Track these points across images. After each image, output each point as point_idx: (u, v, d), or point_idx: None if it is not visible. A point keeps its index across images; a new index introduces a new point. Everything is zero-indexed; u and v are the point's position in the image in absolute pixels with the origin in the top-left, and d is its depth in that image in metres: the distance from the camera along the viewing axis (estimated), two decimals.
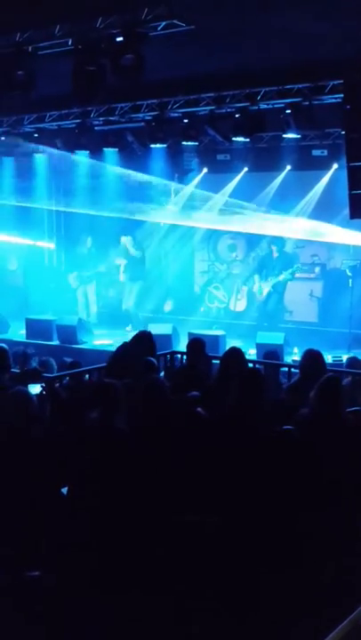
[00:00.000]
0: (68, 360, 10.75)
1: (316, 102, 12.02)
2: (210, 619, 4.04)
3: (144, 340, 8.82)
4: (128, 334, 13.65)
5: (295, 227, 16.05)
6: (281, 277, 15.37)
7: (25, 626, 4.11)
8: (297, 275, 16.56)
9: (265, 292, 15.48)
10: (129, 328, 15.85)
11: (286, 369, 9.93)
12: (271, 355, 10.71)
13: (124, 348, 8.65)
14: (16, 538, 4.93)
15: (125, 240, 16.64)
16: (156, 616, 4.27)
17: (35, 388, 7.34)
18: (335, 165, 14.93)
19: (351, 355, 11.98)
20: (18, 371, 8.79)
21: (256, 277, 15.94)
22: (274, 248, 15.65)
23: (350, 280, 14.52)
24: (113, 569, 4.82)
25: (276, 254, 15.58)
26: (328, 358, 11.79)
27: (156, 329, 13.83)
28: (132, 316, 16.37)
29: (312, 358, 7.78)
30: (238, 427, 6.03)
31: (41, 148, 16.02)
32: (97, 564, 4.91)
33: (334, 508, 4.70)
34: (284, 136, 13.25)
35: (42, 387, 7.49)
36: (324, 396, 6.13)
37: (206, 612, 4.12)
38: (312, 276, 16.80)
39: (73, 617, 4.38)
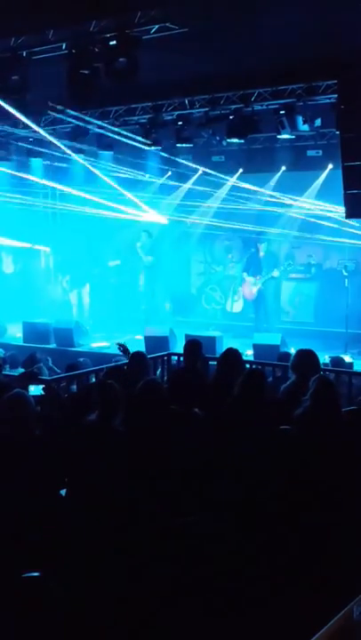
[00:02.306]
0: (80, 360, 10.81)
1: (310, 102, 12.07)
2: (210, 618, 4.07)
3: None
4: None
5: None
6: (275, 274, 15.39)
7: (23, 628, 4.12)
8: (293, 275, 16.61)
9: (254, 290, 15.50)
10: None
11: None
12: (283, 357, 10.77)
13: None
14: (15, 539, 4.95)
15: (138, 246, 16.84)
16: (157, 617, 4.29)
17: (34, 390, 7.37)
18: (330, 165, 14.96)
19: (336, 355, 12.07)
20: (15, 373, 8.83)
21: (245, 275, 15.97)
22: (261, 247, 15.65)
23: (346, 280, 14.54)
24: (112, 569, 4.84)
25: (262, 254, 15.59)
26: (325, 358, 11.84)
27: (153, 331, 13.90)
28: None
29: (305, 357, 7.80)
30: (236, 427, 6.06)
31: (36, 151, 15.99)
32: (96, 564, 4.93)
33: (333, 507, 4.73)
34: (279, 137, 13.27)
35: (43, 389, 7.51)
36: (318, 396, 6.16)
37: (207, 611, 4.14)
38: (308, 276, 16.85)
39: (72, 618, 4.39)
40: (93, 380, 9.34)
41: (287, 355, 11.08)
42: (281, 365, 9.99)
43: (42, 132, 14.16)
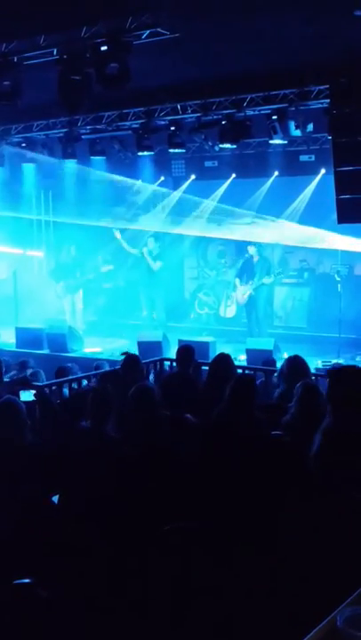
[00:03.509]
0: (68, 365, 10.78)
1: (302, 107, 12.09)
2: (205, 622, 4.05)
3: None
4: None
5: (285, 232, 16.20)
6: (266, 281, 15.36)
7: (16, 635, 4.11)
8: (286, 280, 16.61)
9: (247, 294, 15.46)
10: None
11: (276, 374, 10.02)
12: (269, 362, 10.79)
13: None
14: (6, 546, 4.93)
15: (145, 251, 16.71)
16: (150, 624, 4.28)
17: (26, 396, 7.36)
18: (323, 170, 15.00)
19: (337, 362, 12.06)
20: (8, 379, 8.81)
21: (237, 281, 15.95)
22: (252, 250, 15.61)
23: (339, 285, 14.55)
24: (105, 576, 4.82)
25: (256, 258, 15.55)
26: (318, 363, 11.85)
27: (146, 336, 13.89)
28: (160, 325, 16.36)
29: (293, 364, 7.81)
30: (228, 432, 6.05)
31: (29, 156, 15.99)
32: (89, 571, 4.92)
33: (322, 513, 4.71)
34: (271, 142, 13.29)
35: (34, 394, 7.50)
36: (302, 402, 6.17)
37: (201, 615, 4.13)
38: (301, 281, 16.87)
39: (65, 626, 4.38)
40: (85, 382, 9.33)
41: (272, 360, 11.13)
42: (272, 370, 10.02)
43: None
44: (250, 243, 15.86)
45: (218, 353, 8.79)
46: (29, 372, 10.10)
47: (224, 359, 8.25)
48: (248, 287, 15.39)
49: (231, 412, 6.40)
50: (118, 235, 16.84)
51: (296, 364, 7.79)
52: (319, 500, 4.65)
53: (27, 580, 4.16)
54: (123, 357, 8.93)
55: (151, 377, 10.58)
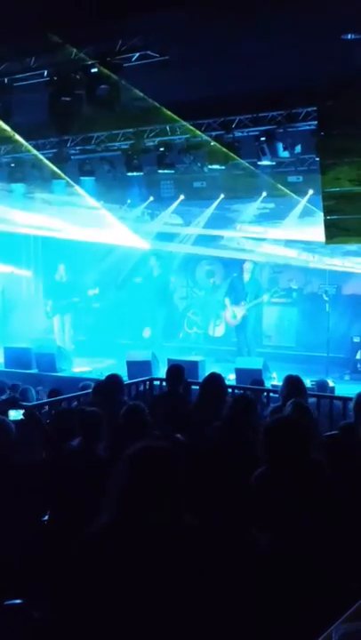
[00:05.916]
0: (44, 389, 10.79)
1: (290, 129, 12.19)
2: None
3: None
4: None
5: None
6: (263, 299, 15.43)
7: None
8: (275, 300, 16.69)
9: (239, 316, 15.48)
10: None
11: (265, 394, 10.08)
12: (257, 382, 10.84)
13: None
14: None
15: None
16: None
17: (14, 415, 7.36)
18: (311, 191, 15.08)
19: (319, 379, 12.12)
20: None
21: (227, 300, 15.99)
22: (247, 267, 15.64)
23: (327, 305, 14.63)
24: (95, 596, 4.80)
25: (248, 275, 15.60)
26: (307, 382, 11.88)
27: (135, 356, 13.90)
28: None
29: (292, 384, 7.86)
30: (227, 450, 6.06)
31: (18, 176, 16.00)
32: (79, 591, 4.89)
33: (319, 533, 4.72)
34: (260, 163, 13.36)
35: (23, 414, 7.49)
36: None
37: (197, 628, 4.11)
38: (289, 300, 16.95)
39: None
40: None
41: (261, 380, 11.18)
42: (261, 390, 10.08)
43: None
44: (241, 261, 15.93)
45: (209, 372, 8.80)
46: (20, 389, 10.10)
47: (216, 379, 8.26)
48: (241, 308, 15.41)
49: (226, 432, 6.41)
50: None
51: (291, 383, 7.85)
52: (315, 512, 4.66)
53: (18, 601, 4.14)
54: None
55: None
